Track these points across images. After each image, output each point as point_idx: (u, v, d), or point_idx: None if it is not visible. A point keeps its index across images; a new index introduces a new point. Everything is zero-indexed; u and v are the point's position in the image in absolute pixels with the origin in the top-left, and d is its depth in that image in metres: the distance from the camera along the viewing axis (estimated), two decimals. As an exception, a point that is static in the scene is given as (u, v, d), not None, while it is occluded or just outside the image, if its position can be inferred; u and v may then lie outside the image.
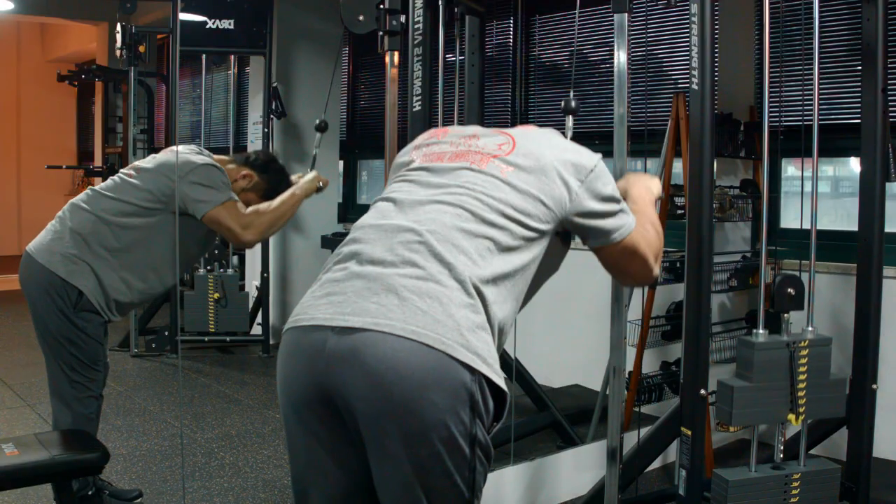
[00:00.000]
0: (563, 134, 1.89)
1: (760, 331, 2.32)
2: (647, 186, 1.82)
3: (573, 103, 2.26)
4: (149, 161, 2.75)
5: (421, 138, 1.69)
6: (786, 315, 2.36)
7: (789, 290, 2.36)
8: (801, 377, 2.30)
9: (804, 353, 2.30)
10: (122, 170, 2.81)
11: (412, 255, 1.38)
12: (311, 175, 2.89)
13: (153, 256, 2.67)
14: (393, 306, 1.32)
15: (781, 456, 2.36)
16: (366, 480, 1.39)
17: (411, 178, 1.55)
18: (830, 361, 2.37)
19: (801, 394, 2.30)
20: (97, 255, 2.61)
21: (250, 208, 2.70)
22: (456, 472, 1.32)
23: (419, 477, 1.31)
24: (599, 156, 1.59)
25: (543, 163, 1.51)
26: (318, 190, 2.93)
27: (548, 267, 1.58)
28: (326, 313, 1.36)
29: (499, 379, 1.35)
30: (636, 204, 1.75)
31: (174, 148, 2.74)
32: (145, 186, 2.66)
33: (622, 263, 1.64)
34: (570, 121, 2.28)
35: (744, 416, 2.27)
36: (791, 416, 2.29)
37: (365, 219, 1.52)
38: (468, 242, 1.40)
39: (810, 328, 2.39)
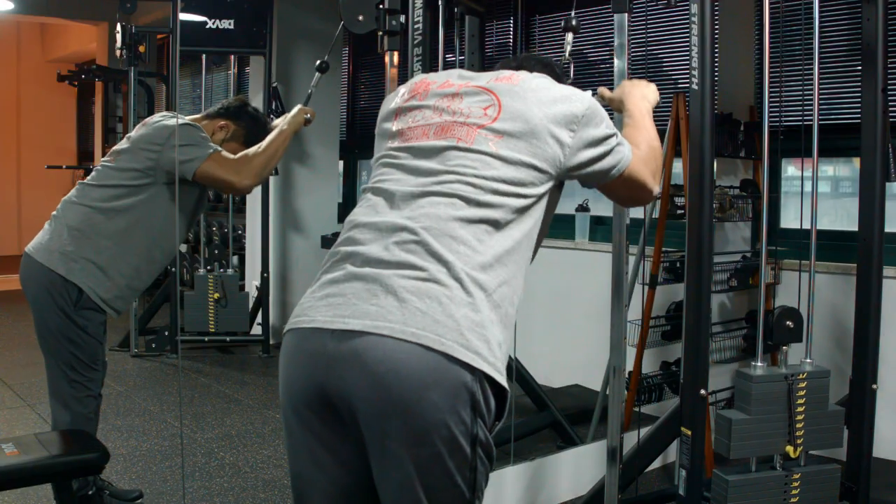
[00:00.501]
0: (563, 48, 1.91)
1: (759, 363, 2.33)
2: (643, 95, 1.83)
3: (574, 21, 2.26)
4: (124, 142, 2.72)
5: (400, 95, 1.62)
6: (784, 348, 2.38)
7: (787, 322, 2.38)
8: (800, 409, 2.31)
9: (802, 385, 2.31)
10: (102, 159, 2.79)
11: (409, 255, 1.37)
12: (295, 110, 2.84)
13: (153, 232, 2.65)
14: (392, 308, 1.32)
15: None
16: (366, 480, 1.39)
17: (398, 163, 1.51)
18: (829, 394, 2.38)
19: (798, 426, 2.31)
20: (99, 247, 2.60)
21: (239, 154, 2.66)
22: (457, 472, 1.31)
23: (420, 477, 1.30)
24: (589, 95, 1.55)
25: (533, 124, 1.46)
26: (307, 122, 2.89)
27: (548, 218, 1.57)
28: (326, 316, 1.36)
29: (500, 376, 1.34)
30: (632, 118, 1.76)
31: (146, 121, 2.71)
32: (128, 165, 2.63)
33: (621, 192, 1.65)
34: (569, 37, 2.28)
35: (742, 448, 2.28)
36: (789, 448, 2.30)
37: (358, 215, 1.49)
38: (465, 231, 1.39)
39: (808, 360, 2.40)
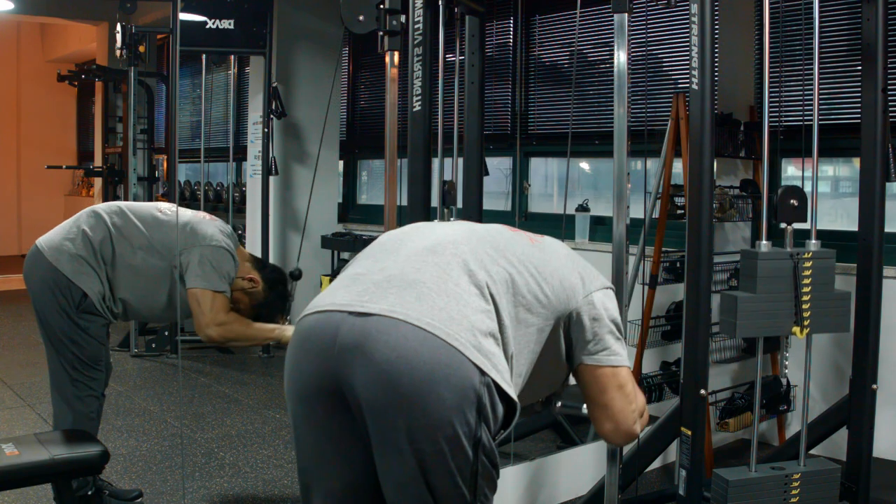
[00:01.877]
0: None
1: (763, 242, 2.31)
2: (639, 390, 1.74)
3: None
4: (187, 213, 2.76)
5: None
6: (788, 227, 2.34)
7: (792, 200, 2.33)
8: (806, 289, 2.27)
9: (808, 265, 2.27)
10: (160, 203, 2.82)
11: (436, 257, 1.43)
12: (291, 331, 2.86)
13: (149, 296, 2.70)
14: (411, 299, 1.35)
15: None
16: (370, 474, 1.40)
17: (450, 223, 1.66)
18: (834, 276, 2.35)
19: (805, 306, 2.27)
20: (108, 266, 2.65)
21: (232, 313, 2.69)
22: (458, 473, 1.32)
23: (423, 473, 1.31)
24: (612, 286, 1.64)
25: (565, 255, 1.59)
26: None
27: (548, 367, 1.57)
28: (345, 299, 1.39)
29: (508, 387, 1.36)
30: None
31: (213, 219, 2.76)
32: (167, 230, 2.67)
33: (608, 395, 1.58)
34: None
35: (748, 327, 2.25)
36: (796, 329, 2.26)
37: (394, 230, 1.60)
38: (492, 265, 1.46)
39: (813, 242, 2.36)
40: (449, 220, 3.10)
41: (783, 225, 2.34)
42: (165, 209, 2.76)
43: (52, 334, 2.62)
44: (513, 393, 1.37)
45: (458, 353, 1.30)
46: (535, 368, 1.52)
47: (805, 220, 2.36)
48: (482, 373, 1.31)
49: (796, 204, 2.33)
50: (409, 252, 1.46)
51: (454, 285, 1.38)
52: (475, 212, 3.26)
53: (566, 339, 1.56)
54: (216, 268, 2.62)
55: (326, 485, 1.44)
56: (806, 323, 2.27)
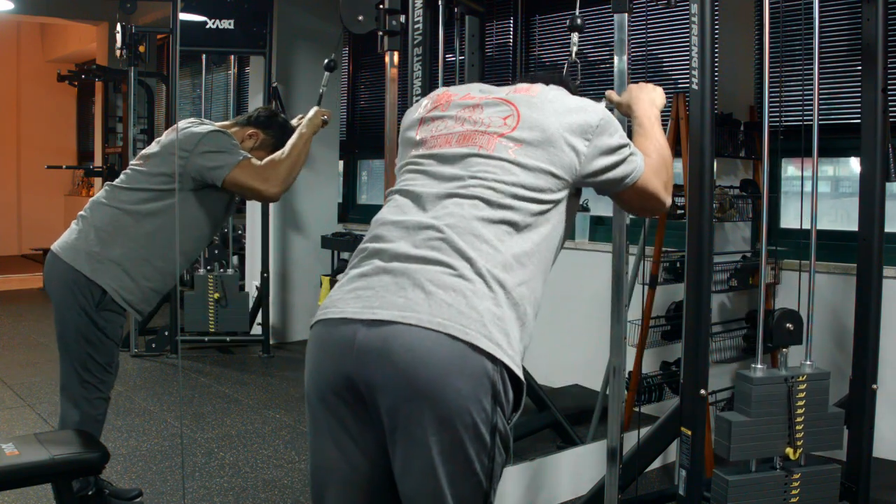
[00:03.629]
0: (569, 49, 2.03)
1: (759, 365, 2.33)
2: (651, 100, 1.85)
3: (579, 20, 2.26)
4: (154, 146, 2.74)
5: (424, 107, 1.70)
6: (784, 350, 2.38)
7: (787, 325, 2.39)
8: (799, 411, 2.31)
9: (802, 387, 2.31)
10: (131, 161, 2.81)
11: (435, 252, 1.43)
12: (312, 112, 2.85)
13: (180, 236, 2.64)
14: (420, 300, 1.38)
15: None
16: (386, 472, 1.44)
17: (423, 169, 1.58)
18: (828, 395, 2.38)
19: (798, 427, 2.31)
20: (125, 249, 2.60)
21: (265, 160, 2.68)
22: (476, 460, 1.36)
23: (442, 463, 1.35)
24: (603, 105, 1.64)
25: (550, 132, 1.53)
26: (324, 123, 2.90)
27: (568, 224, 1.62)
28: (355, 307, 1.41)
29: (517, 368, 1.40)
30: (641, 126, 1.79)
31: (176, 125, 2.71)
32: (158, 170, 2.64)
33: (635, 202, 1.69)
34: (575, 37, 2.28)
35: (742, 450, 2.28)
36: (789, 450, 2.31)
37: (385, 214, 1.56)
38: (487, 230, 1.46)
39: (808, 362, 2.40)
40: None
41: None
42: (137, 161, 2.73)
43: (69, 335, 2.62)
44: (521, 374, 1.41)
45: (469, 346, 1.34)
46: (559, 242, 1.58)
47: (800, 343, 2.41)
48: (494, 360, 1.35)
49: (792, 328, 2.39)
50: (410, 248, 1.45)
51: (458, 278, 1.40)
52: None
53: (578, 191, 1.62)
54: (221, 149, 2.60)
55: (342, 477, 1.46)
56: (799, 444, 2.31)
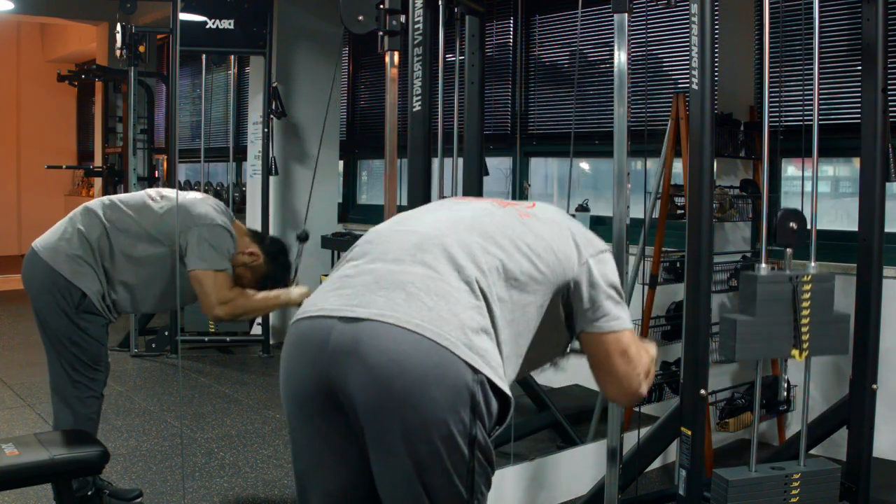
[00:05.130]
0: None
1: (763, 265, 2.30)
2: (645, 347, 1.69)
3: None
4: (171, 192, 2.74)
5: None
6: (788, 250, 2.34)
7: (791, 224, 2.33)
8: (805, 312, 2.28)
9: (807, 287, 2.28)
10: (149, 190, 2.81)
11: (424, 254, 1.41)
12: (303, 289, 2.82)
13: (151, 284, 2.69)
14: (400, 300, 1.34)
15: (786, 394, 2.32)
16: (366, 476, 1.40)
17: (436, 204, 1.62)
18: (833, 299, 2.35)
19: (804, 329, 2.27)
20: (98, 262, 2.64)
21: (236, 288, 2.68)
22: (454, 472, 1.31)
23: (419, 474, 1.31)
24: (609, 246, 1.61)
25: (559, 222, 1.56)
26: (299, 305, 2.92)
27: (548, 336, 1.54)
28: (334, 304, 1.39)
29: (501, 382, 1.35)
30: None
31: (205, 198, 2.74)
32: (162, 218, 2.66)
33: (611, 361, 1.55)
34: None
35: (747, 350, 2.25)
36: (795, 352, 2.26)
37: (382, 224, 1.57)
38: (481, 255, 1.43)
39: (813, 264, 2.37)
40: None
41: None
42: (154, 195, 2.75)
43: (52, 336, 2.62)
44: (506, 388, 1.36)
45: (449, 353, 1.30)
46: (534, 341, 1.50)
47: (804, 243, 2.37)
48: (475, 371, 1.31)
49: (795, 227, 2.34)
50: (397, 250, 1.44)
51: (443, 283, 1.37)
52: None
53: (565, 307, 1.54)
54: (214, 246, 2.61)
55: (324, 487, 1.44)
56: (805, 346, 2.29)
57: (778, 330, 2.26)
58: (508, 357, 1.43)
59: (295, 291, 2.79)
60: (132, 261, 2.65)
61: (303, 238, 3.14)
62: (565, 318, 1.55)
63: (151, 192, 2.78)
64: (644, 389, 1.62)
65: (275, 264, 2.83)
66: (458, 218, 1.51)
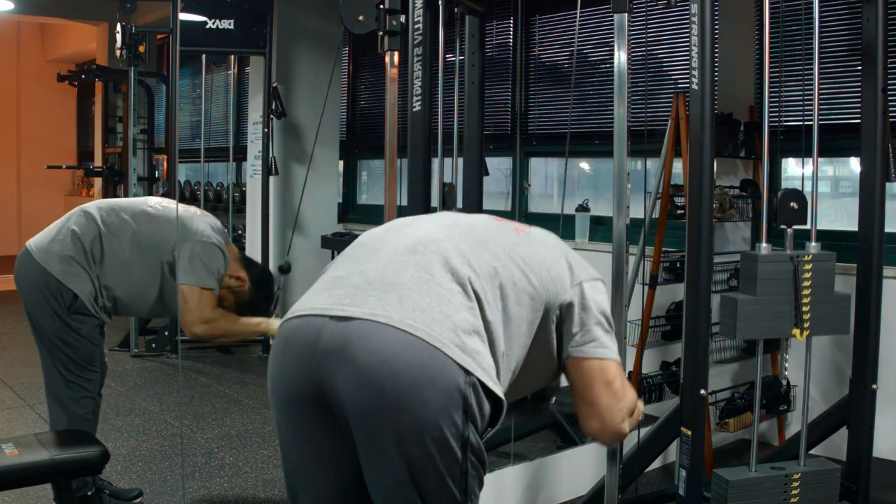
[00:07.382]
0: None
1: (763, 244, 2.30)
2: (632, 388, 1.67)
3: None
4: (171, 204, 2.74)
5: None
6: (789, 229, 2.34)
7: (792, 203, 2.33)
8: (806, 292, 2.27)
9: (808, 267, 2.28)
10: (149, 198, 2.81)
11: (417, 256, 1.40)
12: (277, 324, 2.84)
13: (141, 291, 2.69)
14: (392, 301, 1.33)
15: (788, 365, 2.31)
16: (356, 479, 1.38)
17: (432, 215, 1.61)
18: (834, 278, 2.35)
19: (805, 308, 2.27)
20: (90, 264, 2.63)
21: (219, 309, 2.68)
22: (447, 474, 1.31)
23: (411, 476, 1.30)
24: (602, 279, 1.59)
25: (554, 245, 1.56)
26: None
27: (539, 361, 1.52)
28: (325, 303, 1.38)
29: (494, 385, 1.34)
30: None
31: (204, 214, 2.74)
32: (157, 225, 2.66)
33: (594, 391, 1.52)
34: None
35: (748, 329, 2.25)
36: (796, 331, 2.26)
37: (376, 228, 1.57)
38: (475, 259, 1.42)
39: (813, 244, 2.36)
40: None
41: (783, 227, 2.34)
42: (155, 204, 2.75)
43: (45, 336, 2.62)
44: (499, 391, 1.35)
45: (441, 355, 1.29)
46: (525, 363, 1.48)
47: (805, 223, 2.36)
48: (467, 373, 1.30)
49: (796, 206, 2.33)
50: (390, 252, 1.43)
51: (436, 284, 1.36)
52: (475, 212, 3.25)
53: (557, 331, 1.52)
54: (206, 264, 2.61)
55: (313, 490, 1.43)
56: (806, 325, 2.28)
57: (779, 309, 2.27)
58: (502, 358, 1.42)
59: (275, 323, 2.76)
60: (123, 266, 2.64)
61: (285, 270, 3.14)
62: (556, 344, 1.53)
63: (152, 200, 2.78)
64: (626, 428, 1.57)
65: (259, 293, 2.82)
66: (453, 224, 1.51)
